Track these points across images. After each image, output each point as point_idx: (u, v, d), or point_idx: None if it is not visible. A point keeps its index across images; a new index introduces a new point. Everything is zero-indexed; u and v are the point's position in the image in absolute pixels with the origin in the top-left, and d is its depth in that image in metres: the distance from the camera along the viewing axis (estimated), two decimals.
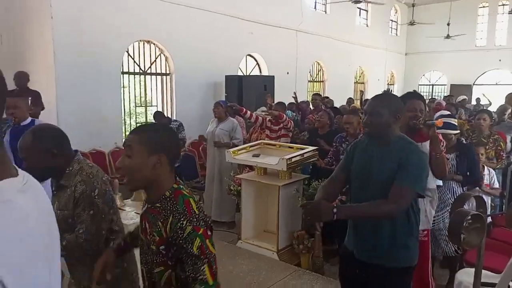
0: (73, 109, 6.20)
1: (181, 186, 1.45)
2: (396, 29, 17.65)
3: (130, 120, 8.23)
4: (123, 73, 7.37)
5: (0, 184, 0.70)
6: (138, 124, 8.19)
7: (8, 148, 2.84)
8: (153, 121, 5.92)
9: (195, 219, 1.35)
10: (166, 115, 7.17)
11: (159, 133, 1.44)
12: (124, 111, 7.67)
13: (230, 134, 5.24)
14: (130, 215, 4.27)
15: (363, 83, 15.58)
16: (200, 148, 7.02)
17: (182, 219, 1.34)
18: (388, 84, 17.23)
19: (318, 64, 13.05)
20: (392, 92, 2.24)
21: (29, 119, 3.24)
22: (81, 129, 6.15)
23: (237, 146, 4.99)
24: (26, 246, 0.69)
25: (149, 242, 1.43)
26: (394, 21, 17.47)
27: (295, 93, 7.36)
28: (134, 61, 7.70)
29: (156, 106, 8.31)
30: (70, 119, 6.02)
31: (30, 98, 4.28)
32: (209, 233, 1.39)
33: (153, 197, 1.44)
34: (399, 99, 2.19)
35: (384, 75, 16.90)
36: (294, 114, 6.94)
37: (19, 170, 0.78)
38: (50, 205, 0.84)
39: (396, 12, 17.49)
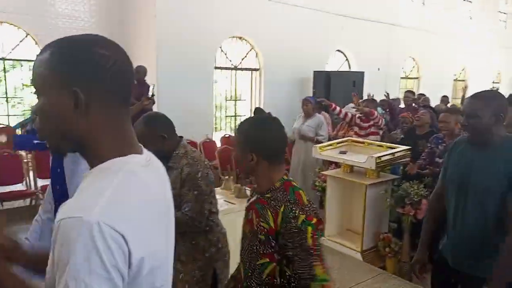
0: (171, 101, 6.66)
1: (291, 178, 1.49)
2: (506, 22, 15.85)
3: (220, 113, 8.59)
4: (215, 68, 7.73)
5: (127, 158, 0.80)
6: (226, 118, 8.55)
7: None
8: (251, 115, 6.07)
9: (307, 209, 1.37)
10: (265, 111, 7.34)
11: (252, 132, 1.47)
12: (215, 105, 8.04)
13: (316, 130, 5.22)
14: (219, 202, 4.49)
15: (463, 80, 14.31)
16: None
17: (294, 208, 1.36)
18: (493, 82, 15.59)
19: (413, 60, 12.30)
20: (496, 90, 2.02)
21: None
22: (177, 120, 6.56)
23: (321, 142, 4.95)
24: (145, 212, 0.77)
25: (257, 232, 1.43)
26: (503, 13, 15.71)
27: (387, 93, 7.05)
28: (226, 57, 8.02)
29: (245, 100, 8.58)
30: (169, 111, 6.46)
31: (153, 85, 4.44)
32: (320, 226, 1.38)
33: (261, 188, 1.48)
34: (502, 96, 1.96)
35: (490, 73, 15.33)
36: (384, 112, 6.64)
37: (145, 150, 0.88)
38: (169, 183, 0.93)
39: (506, 2, 15.70)
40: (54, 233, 0.69)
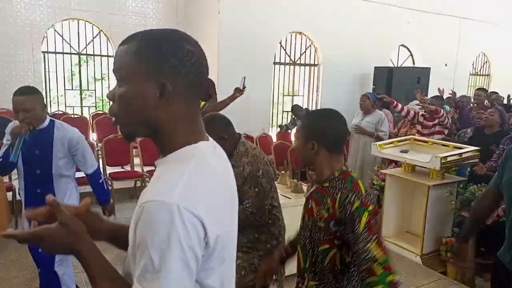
0: None
1: (350, 169, 1.54)
2: None
3: (277, 109, 8.60)
4: (274, 63, 7.76)
5: (197, 145, 0.85)
6: (283, 113, 8.56)
7: (21, 159, 2.37)
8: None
9: (363, 196, 1.41)
10: (303, 107, 7.28)
11: (315, 121, 1.55)
12: (273, 100, 8.08)
13: (376, 127, 5.07)
14: None
15: None
16: None
17: (350, 194, 1.41)
18: None
19: (484, 56, 11.47)
20: None
21: (48, 119, 2.45)
22: (235, 114, 6.67)
23: (381, 138, 4.80)
24: (217, 195, 0.83)
25: (316, 220, 1.50)
26: None
27: (452, 91, 6.67)
28: (286, 52, 8.02)
29: (302, 96, 8.52)
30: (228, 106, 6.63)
31: (244, 77, 4.11)
32: (377, 214, 1.43)
33: (321, 178, 1.54)
34: None
35: None
36: (452, 110, 6.26)
37: (210, 138, 0.93)
38: (232, 171, 0.97)
39: None
40: (136, 214, 0.75)
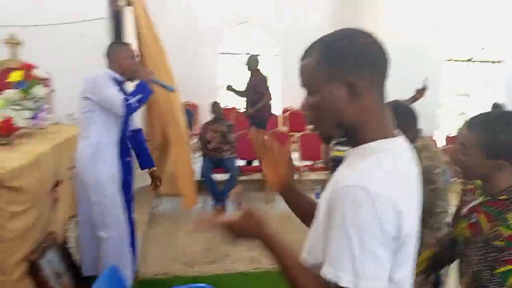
0: (392, 96, 6.49)
1: None
2: None
3: (446, 109, 7.78)
4: (447, 60, 7.07)
5: (391, 140, 0.85)
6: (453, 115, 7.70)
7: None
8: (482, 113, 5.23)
9: None
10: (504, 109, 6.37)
11: (497, 137, 1.26)
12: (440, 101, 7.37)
13: None
14: None
15: None
16: None
17: None
18: None
19: None
20: None
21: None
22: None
23: None
24: (411, 192, 0.82)
25: (490, 238, 1.31)
26: None
27: None
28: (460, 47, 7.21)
29: (475, 96, 7.56)
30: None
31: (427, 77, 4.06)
32: None
33: (493, 190, 1.32)
34: None
35: None
36: None
37: (399, 134, 0.90)
38: (417, 170, 0.91)
39: None
40: (333, 199, 0.78)
